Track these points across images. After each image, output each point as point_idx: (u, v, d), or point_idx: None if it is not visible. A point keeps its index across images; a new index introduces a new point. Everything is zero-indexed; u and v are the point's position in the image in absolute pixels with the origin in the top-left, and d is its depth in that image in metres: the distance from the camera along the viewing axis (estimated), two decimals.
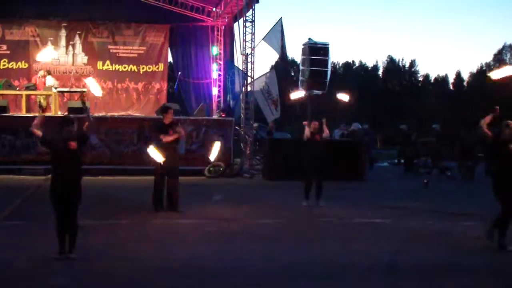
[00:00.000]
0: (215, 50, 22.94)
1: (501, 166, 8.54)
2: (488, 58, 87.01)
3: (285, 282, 6.80)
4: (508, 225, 8.38)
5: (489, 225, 8.55)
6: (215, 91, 23.13)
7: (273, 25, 19.86)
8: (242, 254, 8.06)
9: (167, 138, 10.99)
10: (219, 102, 22.90)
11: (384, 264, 7.56)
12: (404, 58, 73.25)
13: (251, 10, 19.49)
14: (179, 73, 22.82)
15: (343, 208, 12.44)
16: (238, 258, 7.83)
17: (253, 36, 19.45)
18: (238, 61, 20.80)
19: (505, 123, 8.55)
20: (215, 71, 23.04)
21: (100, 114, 19.74)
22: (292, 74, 51.07)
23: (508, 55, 67.06)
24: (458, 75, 70.49)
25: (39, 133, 7.54)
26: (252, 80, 19.65)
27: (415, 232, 9.83)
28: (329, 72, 18.89)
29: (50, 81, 19.87)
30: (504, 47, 67.64)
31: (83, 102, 17.92)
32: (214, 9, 22.96)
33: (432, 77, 72.48)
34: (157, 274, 6.94)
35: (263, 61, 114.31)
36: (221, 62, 22.95)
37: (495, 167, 8.81)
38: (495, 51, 70.09)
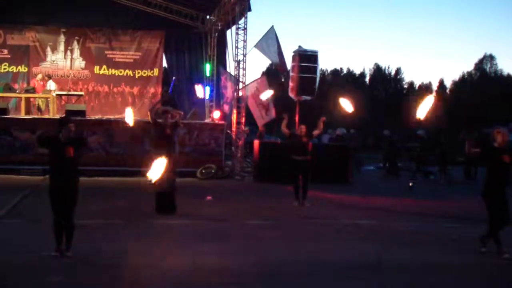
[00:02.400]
0: (207, 70, 23.21)
1: (493, 173, 8.44)
2: (470, 67, 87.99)
3: (273, 281, 6.92)
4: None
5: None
6: (207, 95, 23.38)
7: (265, 32, 20.31)
8: (233, 254, 8.14)
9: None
10: (211, 106, 23.15)
11: (370, 263, 7.77)
12: (390, 66, 73.84)
13: (243, 18, 19.72)
14: (173, 78, 23.02)
15: (331, 209, 12.72)
16: (229, 257, 7.92)
17: (245, 43, 19.74)
18: (230, 67, 21.09)
19: (496, 131, 8.52)
20: (207, 86, 23.32)
21: (97, 117, 20.26)
22: (283, 80, 51.52)
23: (488, 65, 68.24)
24: (441, 83, 71.40)
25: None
26: (244, 85, 20.04)
27: (400, 233, 10.06)
28: (318, 79, 19.46)
29: (52, 85, 20.35)
30: (484, 56, 68.80)
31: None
32: (208, 16, 23.25)
33: (417, 84, 73.24)
34: (151, 273, 7.01)
35: (255, 67, 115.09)
36: (214, 68, 23.30)
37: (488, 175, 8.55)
38: (476, 60, 71.09)
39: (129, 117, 11.31)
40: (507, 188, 8.41)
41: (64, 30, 22.62)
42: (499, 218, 8.26)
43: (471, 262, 8.16)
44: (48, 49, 22.53)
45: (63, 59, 22.74)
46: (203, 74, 23.48)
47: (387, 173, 21.90)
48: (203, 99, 23.36)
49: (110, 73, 23.15)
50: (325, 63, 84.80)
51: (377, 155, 27.13)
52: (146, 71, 23.40)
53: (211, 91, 23.24)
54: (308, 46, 19.47)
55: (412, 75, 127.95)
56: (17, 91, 20.28)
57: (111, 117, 20.94)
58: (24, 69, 22.34)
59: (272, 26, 20.01)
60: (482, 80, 65.35)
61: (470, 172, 20.30)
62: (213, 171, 18.37)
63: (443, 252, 8.64)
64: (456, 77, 76.08)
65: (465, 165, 20.40)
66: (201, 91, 23.13)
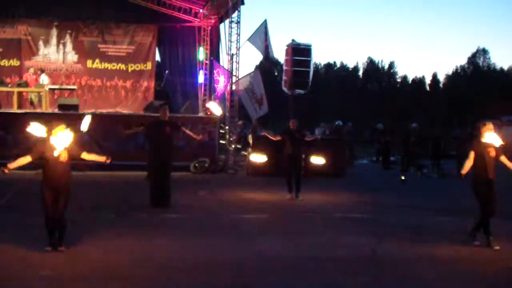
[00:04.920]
0: (201, 54, 23.14)
1: (479, 167, 8.67)
2: (463, 61, 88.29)
3: (270, 276, 6.95)
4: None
5: (471, 227, 8.79)
6: (200, 89, 23.30)
7: (258, 26, 20.28)
8: (226, 248, 8.15)
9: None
10: (204, 100, 22.93)
11: (364, 256, 7.87)
12: (383, 59, 74.19)
13: (236, 11, 19.75)
14: (166, 71, 23.01)
15: (325, 203, 12.77)
16: (223, 252, 7.93)
17: (238, 37, 19.76)
18: (224, 61, 21.14)
19: (482, 123, 8.77)
20: (201, 70, 23.19)
21: (89, 111, 20.15)
22: (276, 74, 51.58)
23: (482, 58, 68.41)
24: (434, 77, 71.71)
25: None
26: (237, 79, 20.01)
27: (393, 226, 10.17)
28: (311, 73, 19.48)
29: (45, 79, 20.25)
30: (477, 50, 69.03)
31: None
32: (201, 10, 23.10)
33: (410, 78, 73.54)
34: (144, 268, 7.02)
35: (248, 61, 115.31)
36: (207, 62, 23.26)
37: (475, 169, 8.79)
38: (469, 54, 71.28)
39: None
40: (494, 181, 8.62)
41: (56, 23, 22.47)
42: (489, 208, 8.50)
43: (464, 255, 8.19)
44: (41, 42, 22.42)
45: (55, 53, 22.59)
46: (196, 68, 23.42)
47: (383, 167, 22.00)
48: (196, 93, 23.30)
49: (103, 67, 23.07)
50: (319, 57, 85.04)
51: (371, 148, 27.26)
52: (139, 65, 23.33)
53: (205, 74, 23.12)
54: (301, 39, 19.58)
55: (406, 69, 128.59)
56: (9, 85, 20.14)
57: (104, 111, 20.89)
58: (16, 63, 22.20)
59: (265, 19, 20.03)
60: (475, 74, 65.61)
61: (462, 166, 20.33)
62: (206, 165, 18.35)
63: (436, 245, 8.68)
64: (449, 71, 76.34)
65: (458, 159, 20.42)
66: (201, 77, 23.13)
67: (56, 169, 7.63)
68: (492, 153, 8.59)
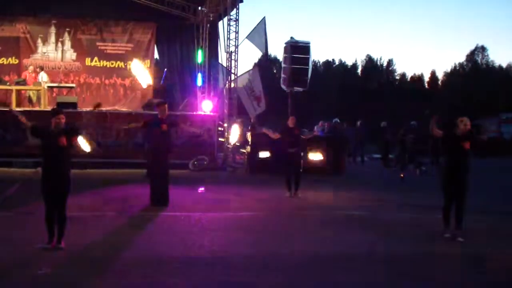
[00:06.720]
0: (199, 56, 23.14)
1: (450, 160, 8.98)
2: (461, 58, 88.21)
3: (267, 273, 6.92)
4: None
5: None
6: (200, 82, 23.38)
7: (257, 24, 20.33)
8: (224, 246, 8.14)
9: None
10: (203, 97, 23.15)
11: (364, 254, 7.86)
12: (382, 57, 74.08)
13: (235, 9, 19.86)
14: (165, 69, 23.05)
15: (324, 200, 12.79)
16: (222, 250, 7.90)
17: (237, 35, 19.85)
18: (222, 59, 21.20)
19: (459, 119, 8.90)
20: (199, 73, 22.94)
21: (88, 109, 20.14)
22: (275, 71, 51.53)
23: (480, 56, 68.32)
24: (433, 74, 71.67)
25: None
26: (236, 77, 20.09)
27: (392, 223, 10.17)
28: (310, 70, 19.47)
29: (44, 77, 20.24)
30: (476, 48, 68.94)
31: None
32: (200, 7, 23.13)
33: (409, 76, 73.46)
34: (143, 265, 7.01)
35: (247, 58, 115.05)
36: (206, 60, 23.27)
37: (446, 161, 9.15)
38: (468, 51, 71.20)
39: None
40: (467, 175, 8.89)
41: (55, 21, 22.41)
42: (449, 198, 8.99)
43: (465, 252, 8.20)
44: (39, 40, 22.36)
45: (54, 51, 22.53)
46: (194, 66, 23.37)
47: (383, 164, 22.05)
48: (195, 91, 23.26)
49: (101, 65, 23.03)
50: (317, 54, 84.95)
51: (370, 146, 27.24)
52: None
53: (203, 77, 23.07)
54: (300, 37, 19.59)
55: (404, 67, 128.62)
56: (8, 83, 20.12)
57: (103, 109, 20.84)
58: (15, 61, 22.16)
59: (264, 17, 20.08)
60: (474, 72, 65.51)
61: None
62: (205, 162, 18.36)
63: (436, 243, 8.69)
64: (448, 68, 76.35)
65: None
66: (200, 80, 23.09)
67: (55, 155, 7.61)
68: (467, 146, 8.85)
